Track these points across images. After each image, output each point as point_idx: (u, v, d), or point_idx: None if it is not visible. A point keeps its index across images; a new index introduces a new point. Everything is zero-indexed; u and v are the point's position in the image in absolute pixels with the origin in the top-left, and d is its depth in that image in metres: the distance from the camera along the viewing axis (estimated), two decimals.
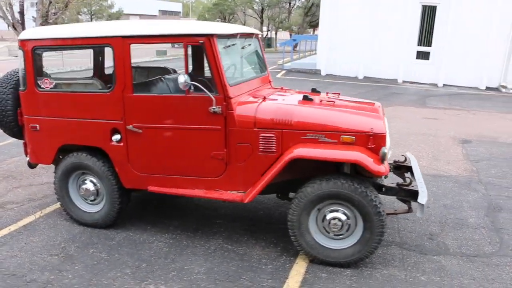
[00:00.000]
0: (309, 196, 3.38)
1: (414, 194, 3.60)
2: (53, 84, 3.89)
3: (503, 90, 11.84)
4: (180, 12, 55.15)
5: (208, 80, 3.72)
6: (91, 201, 4.11)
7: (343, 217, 3.42)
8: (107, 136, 3.80)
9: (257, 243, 3.90)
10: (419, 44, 13.33)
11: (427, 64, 13.15)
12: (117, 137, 3.78)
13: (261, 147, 3.56)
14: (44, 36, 3.82)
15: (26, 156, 4.37)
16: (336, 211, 3.43)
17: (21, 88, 4.02)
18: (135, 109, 3.66)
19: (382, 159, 3.41)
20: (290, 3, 27.22)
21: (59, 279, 3.32)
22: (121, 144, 3.78)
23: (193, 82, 3.49)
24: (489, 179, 5.41)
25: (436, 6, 12.69)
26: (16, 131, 4.27)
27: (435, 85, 13.05)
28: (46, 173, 5.59)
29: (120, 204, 3.98)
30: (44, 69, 4.12)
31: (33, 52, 3.85)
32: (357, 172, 3.68)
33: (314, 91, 4.26)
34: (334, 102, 3.80)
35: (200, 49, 4.92)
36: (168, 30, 3.53)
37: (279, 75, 14.88)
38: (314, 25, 29.36)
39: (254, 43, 4.44)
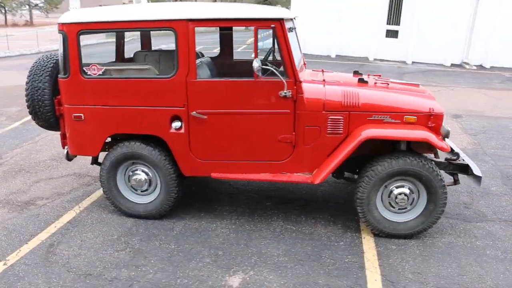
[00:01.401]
0: (380, 174, 3.54)
1: (462, 168, 3.89)
2: (102, 70, 3.66)
3: (467, 66, 12.82)
4: None
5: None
6: (141, 191, 3.96)
7: (408, 192, 3.64)
8: (166, 124, 3.67)
9: (316, 222, 4.02)
10: (388, 23, 13.93)
11: (396, 42, 13.80)
12: (177, 124, 3.66)
13: (329, 129, 3.64)
14: (93, 19, 3.55)
15: (63, 148, 4.09)
16: (402, 186, 3.64)
17: (61, 75, 3.73)
18: (200, 94, 3.56)
19: (445, 136, 3.66)
20: None
21: (141, 275, 3.22)
22: (182, 131, 3.67)
23: (266, 67, 3.47)
24: (492, 151, 5.92)
25: None
26: (53, 122, 3.97)
27: (404, 62, 13.78)
28: (61, 165, 5.25)
29: (177, 193, 3.88)
30: None
31: (78, 37, 3.57)
32: (410, 149, 3.90)
33: (356, 73, 4.39)
34: (388, 84, 3.96)
35: (229, 34, 4.92)
36: (238, 14, 3.44)
37: (253, 55, 14.78)
38: None
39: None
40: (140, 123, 3.70)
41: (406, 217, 3.71)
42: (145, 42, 4.97)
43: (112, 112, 3.70)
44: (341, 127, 3.65)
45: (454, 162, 3.94)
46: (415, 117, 3.64)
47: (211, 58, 4.80)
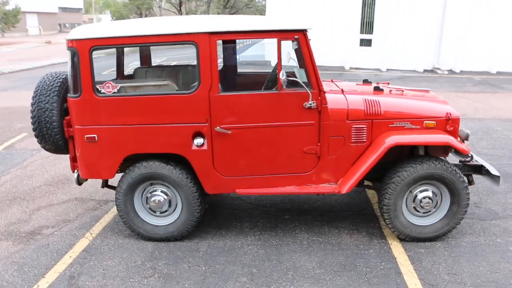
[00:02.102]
0: (406, 179, 3.57)
1: (477, 168, 4.01)
2: (118, 87, 3.49)
3: (439, 71, 13.42)
4: (81, 8, 50.81)
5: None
6: (160, 213, 3.79)
7: (432, 195, 3.69)
8: (187, 141, 3.54)
9: (340, 231, 3.99)
10: (362, 32, 14.37)
11: (370, 51, 14.23)
12: (199, 140, 3.54)
13: (353, 138, 3.66)
14: (107, 34, 3.39)
15: (73, 171, 3.86)
16: (426, 190, 3.68)
17: (71, 94, 3.53)
18: (224, 109, 3.48)
19: (465, 139, 3.76)
20: None
21: None
22: (204, 147, 3.55)
23: (291, 78, 3.44)
24: (485, 151, 6.15)
25: None
26: (62, 145, 3.74)
27: (379, 69, 14.22)
28: (59, 190, 4.96)
29: (200, 212, 3.75)
30: None
31: (91, 53, 3.40)
32: (426, 152, 3.97)
33: (366, 81, 4.44)
34: (403, 91, 4.04)
35: (232, 47, 4.86)
36: (261, 25, 3.40)
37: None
38: None
39: None
40: (160, 141, 3.56)
41: (431, 220, 3.76)
42: (145, 58, 4.82)
43: (129, 132, 3.54)
44: (364, 135, 3.67)
45: (469, 163, 4.06)
46: (434, 122, 3.72)
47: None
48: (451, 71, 13.64)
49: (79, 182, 3.90)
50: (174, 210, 3.79)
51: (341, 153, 3.68)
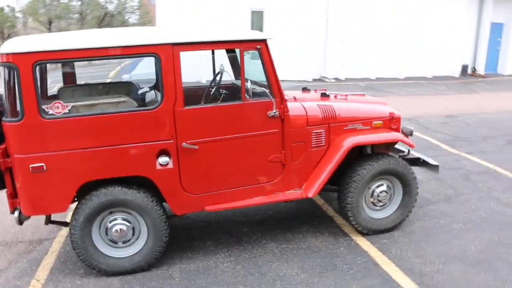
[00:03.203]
0: (366, 176, 3.80)
1: (414, 161, 4.45)
2: (69, 107, 3.06)
3: (326, 80, 14.54)
4: None
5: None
6: (123, 243, 3.41)
7: (387, 188, 3.99)
8: (151, 161, 3.26)
9: (304, 236, 4.05)
10: None
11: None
12: (164, 159, 3.29)
13: (313, 143, 3.78)
14: (54, 47, 2.93)
15: (12, 210, 3.24)
16: (382, 185, 3.97)
17: (8, 118, 2.99)
18: (190, 123, 3.29)
19: (410, 135, 4.15)
20: (81, 14, 24.87)
21: None
22: (169, 166, 3.31)
23: (255, 88, 3.43)
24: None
25: (263, 12, 14.45)
26: None
27: None
28: None
29: (168, 236, 3.46)
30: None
31: (34, 69, 2.94)
32: (372, 151, 4.29)
33: (305, 89, 4.62)
34: (347, 96, 4.30)
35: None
36: (223, 36, 3.30)
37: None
38: None
39: None
40: (121, 164, 3.21)
41: (387, 212, 4.05)
42: (68, 76, 4.31)
43: (85, 156, 3.12)
44: (323, 139, 3.82)
45: (407, 157, 4.49)
46: (381, 122, 4.05)
47: (152, 87, 4.44)
48: (337, 79, 14.99)
49: (22, 220, 3.30)
50: (137, 238, 3.45)
51: (304, 159, 3.77)
